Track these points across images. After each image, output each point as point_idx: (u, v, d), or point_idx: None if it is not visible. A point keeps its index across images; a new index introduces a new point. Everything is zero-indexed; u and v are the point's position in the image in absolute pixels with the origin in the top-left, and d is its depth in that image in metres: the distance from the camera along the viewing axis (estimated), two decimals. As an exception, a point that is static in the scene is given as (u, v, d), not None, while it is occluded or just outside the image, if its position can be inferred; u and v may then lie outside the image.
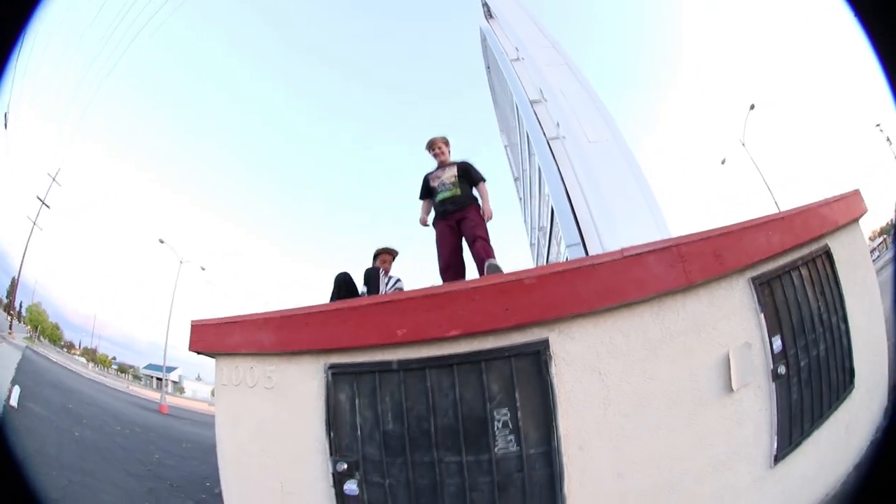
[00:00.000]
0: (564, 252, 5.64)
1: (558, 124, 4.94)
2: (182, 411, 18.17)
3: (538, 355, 2.59)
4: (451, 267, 3.92)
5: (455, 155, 4.41)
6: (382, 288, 3.80)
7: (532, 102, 7.91)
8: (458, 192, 4.04)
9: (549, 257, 10.36)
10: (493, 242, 3.85)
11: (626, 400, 2.66)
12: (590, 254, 4.70)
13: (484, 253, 3.70)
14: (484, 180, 4.20)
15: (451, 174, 4.12)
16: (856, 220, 4.14)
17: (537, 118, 7.16)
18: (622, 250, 2.67)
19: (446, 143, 4.35)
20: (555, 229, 7.71)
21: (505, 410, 2.60)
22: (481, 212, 4.05)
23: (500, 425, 2.61)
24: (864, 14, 1.09)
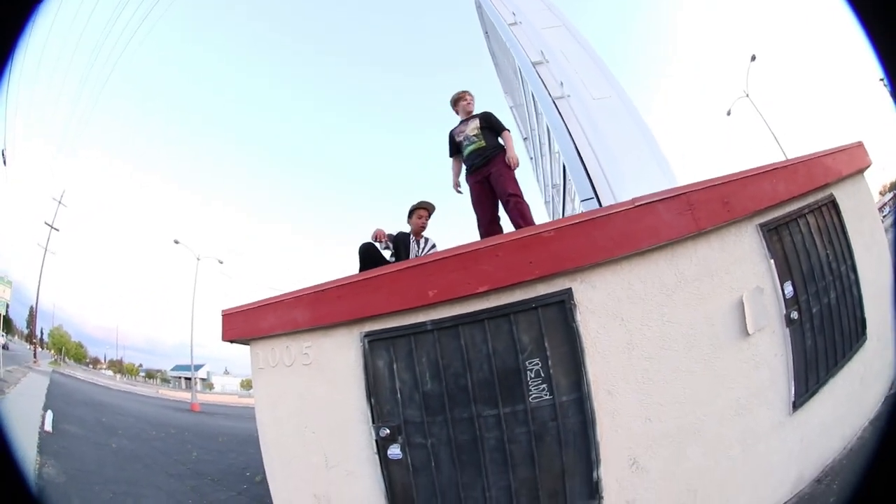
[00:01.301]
0: (579, 207, 5.77)
1: (562, 84, 5.11)
2: (214, 407, 18.35)
3: (563, 304, 2.74)
4: (486, 228, 4.01)
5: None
6: (415, 251, 3.88)
7: (534, 64, 8.01)
8: (484, 143, 4.06)
9: (565, 213, 10.45)
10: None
11: (647, 343, 2.79)
12: (603, 206, 4.82)
13: (520, 215, 3.76)
14: (507, 129, 4.24)
15: (473, 126, 4.14)
16: (860, 172, 4.25)
17: (541, 79, 7.30)
18: (633, 200, 2.82)
19: (471, 95, 4.39)
20: (568, 185, 7.85)
21: (536, 360, 2.74)
22: (507, 160, 4.03)
23: (532, 375, 2.74)
24: (864, 14, 1.13)
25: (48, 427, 6.86)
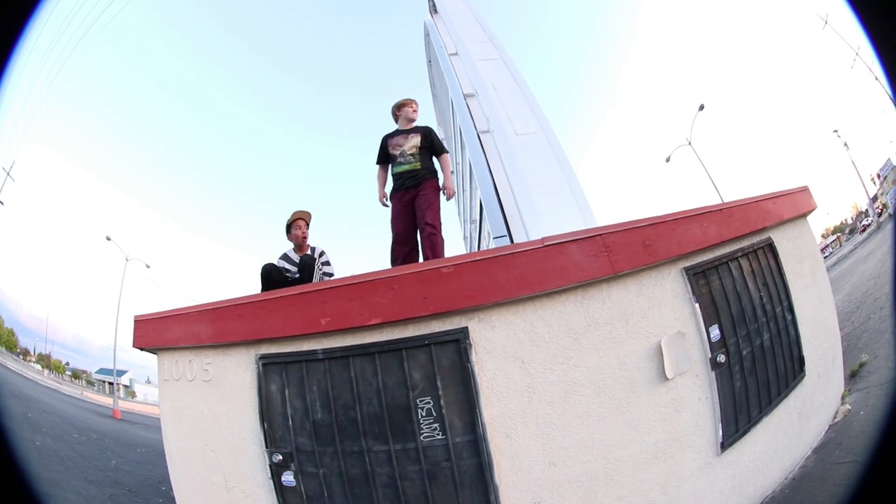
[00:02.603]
0: (492, 244, 5.67)
1: (488, 119, 4.96)
2: (134, 416, 18.07)
3: (458, 343, 2.62)
4: (399, 253, 3.83)
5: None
6: (315, 272, 3.70)
7: (466, 96, 7.98)
8: (419, 165, 3.85)
9: (480, 249, 10.40)
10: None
11: (550, 388, 2.68)
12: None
13: (432, 249, 3.60)
14: (447, 152, 4.07)
15: (413, 144, 3.90)
16: (804, 216, 4.20)
17: (469, 112, 7.21)
18: (543, 239, 2.69)
19: (417, 104, 4.15)
20: (484, 222, 7.75)
21: (428, 398, 2.62)
22: (441, 186, 3.90)
23: (423, 413, 2.63)
24: (864, 14, 1.11)
25: None
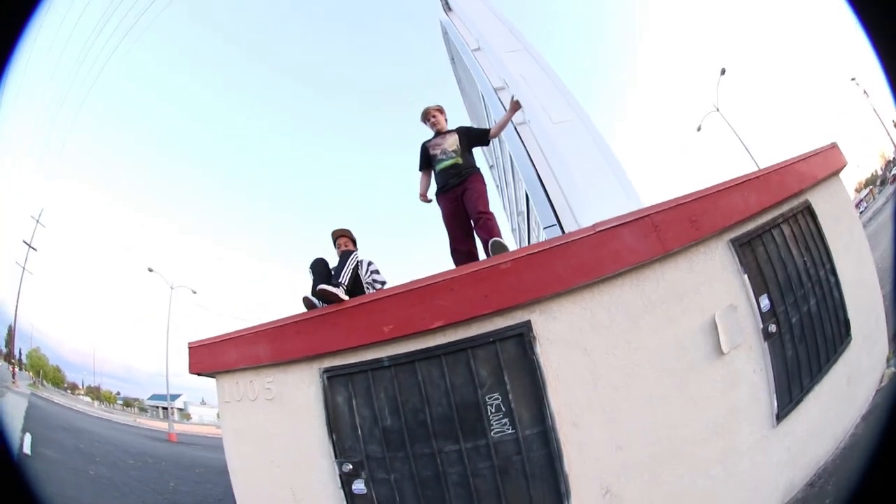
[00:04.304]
0: (543, 234, 5.67)
1: (523, 110, 4.96)
2: (191, 437, 18.34)
3: (522, 337, 2.64)
4: (459, 251, 3.85)
5: None
6: (360, 270, 3.64)
7: (496, 90, 7.95)
8: (460, 160, 3.89)
9: (530, 240, 10.39)
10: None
11: (614, 373, 2.70)
12: (566, 232, 4.72)
13: (487, 231, 3.59)
14: (488, 129, 4.17)
15: (452, 141, 3.96)
16: (836, 174, 4.15)
17: (503, 105, 7.16)
18: (594, 225, 2.71)
19: (441, 110, 4.19)
20: (532, 212, 7.74)
21: (496, 395, 2.65)
22: (514, 104, 3.98)
23: (493, 409, 2.66)
24: (863, 14, 1.11)
25: (27, 450, 6.82)
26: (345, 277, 3.26)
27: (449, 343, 2.69)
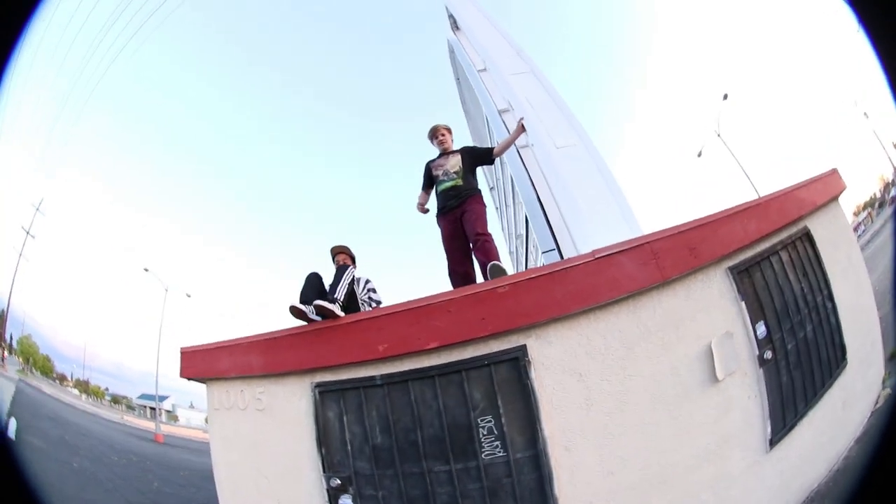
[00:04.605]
0: (541, 258, 5.68)
1: (527, 133, 4.94)
2: (177, 440, 18.18)
3: (517, 361, 2.63)
4: (457, 272, 3.85)
5: None
6: (355, 286, 3.64)
7: (500, 112, 8.00)
8: (461, 182, 3.92)
9: (528, 264, 10.39)
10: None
11: (607, 399, 2.69)
12: (564, 257, 4.72)
13: (485, 254, 3.59)
14: (492, 148, 4.21)
15: (454, 162, 4.00)
16: (835, 199, 4.16)
17: (506, 128, 7.21)
18: (594, 252, 2.70)
19: (449, 130, 4.23)
20: (531, 236, 7.75)
21: (489, 417, 2.64)
22: (521, 126, 4.06)
23: (484, 432, 2.64)
24: (863, 14, 1.11)
25: (11, 434, 6.77)
26: (340, 293, 3.24)
27: (443, 364, 2.67)
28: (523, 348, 2.63)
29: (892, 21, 1.06)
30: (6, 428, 6.74)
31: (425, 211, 4.15)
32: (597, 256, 2.67)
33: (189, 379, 3.58)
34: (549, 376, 2.63)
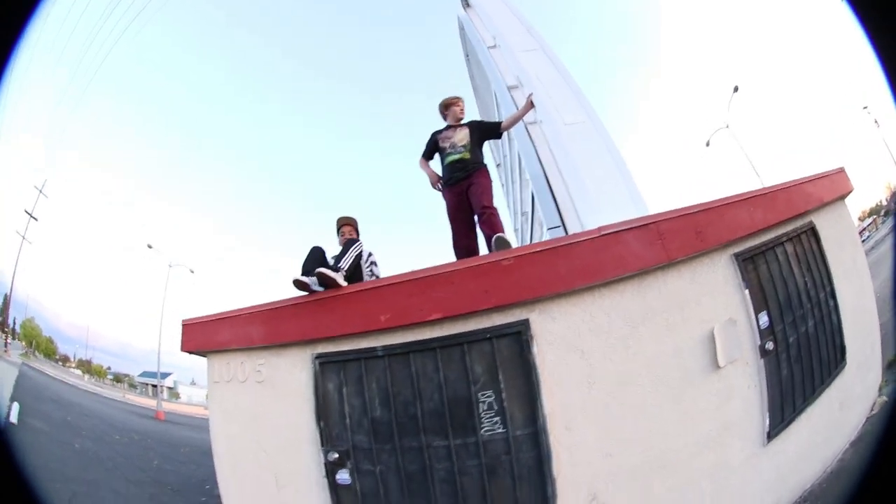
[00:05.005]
0: (546, 235, 5.66)
1: (535, 109, 4.93)
2: (178, 417, 18.14)
3: (519, 336, 2.62)
4: (462, 245, 3.85)
5: None
6: (361, 259, 3.62)
7: (510, 88, 7.97)
8: (469, 155, 3.88)
9: (533, 241, 10.38)
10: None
11: (610, 378, 2.67)
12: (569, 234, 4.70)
13: (490, 226, 3.58)
14: (499, 123, 4.20)
15: (463, 135, 3.96)
16: (842, 198, 4.15)
17: (515, 104, 7.15)
18: (599, 228, 2.69)
19: (463, 102, 4.21)
20: (536, 213, 7.74)
21: (489, 392, 2.62)
22: (530, 102, 4.05)
23: (485, 407, 2.63)
24: (864, 14, 1.11)
25: (13, 419, 6.77)
26: (346, 263, 3.23)
27: (445, 336, 2.66)
28: (526, 322, 2.61)
29: (893, 21, 1.06)
30: (9, 413, 6.76)
31: (440, 187, 4.08)
32: (603, 233, 2.66)
33: (190, 352, 3.56)
34: (552, 352, 2.62)
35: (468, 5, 12.86)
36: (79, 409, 11.60)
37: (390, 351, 2.72)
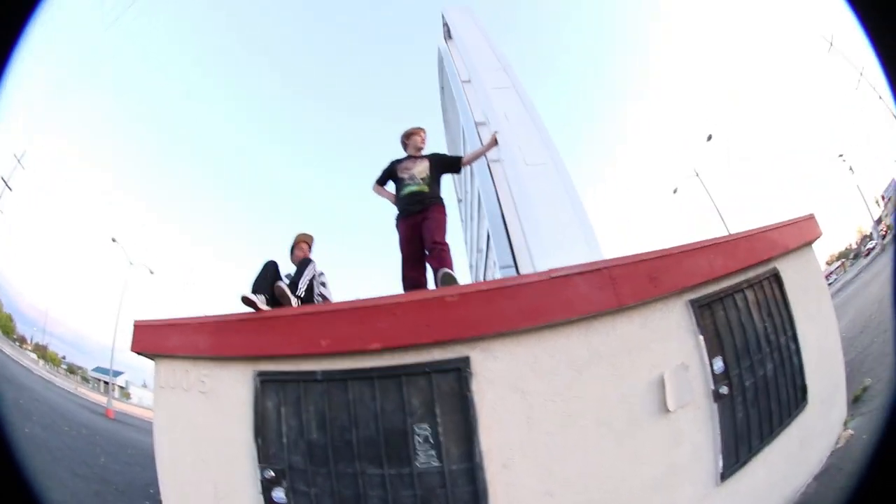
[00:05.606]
0: (498, 273, 5.65)
1: (499, 148, 4.87)
2: (128, 417, 17.73)
3: (459, 372, 2.59)
4: (410, 278, 3.79)
5: None
6: (312, 283, 3.60)
7: (477, 124, 8.05)
8: (427, 189, 3.85)
9: (486, 278, 10.38)
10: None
11: (551, 419, 2.65)
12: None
13: (439, 261, 3.52)
14: (460, 157, 4.20)
15: (423, 167, 3.91)
16: (808, 244, 4.15)
17: (480, 140, 7.19)
18: (549, 271, 2.66)
19: (426, 133, 4.16)
20: (491, 251, 7.73)
21: (425, 425, 2.60)
22: (494, 139, 4.06)
23: (420, 440, 2.60)
24: (864, 14, 1.08)
25: None
26: (302, 289, 3.21)
27: (384, 367, 2.62)
28: (466, 360, 2.59)
29: (893, 21, 1.05)
30: None
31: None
32: (552, 276, 2.63)
33: (139, 353, 3.52)
34: (492, 391, 2.59)
35: (450, 37, 12.81)
36: (31, 393, 11.49)
37: (329, 376, 2.69)
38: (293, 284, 3.33)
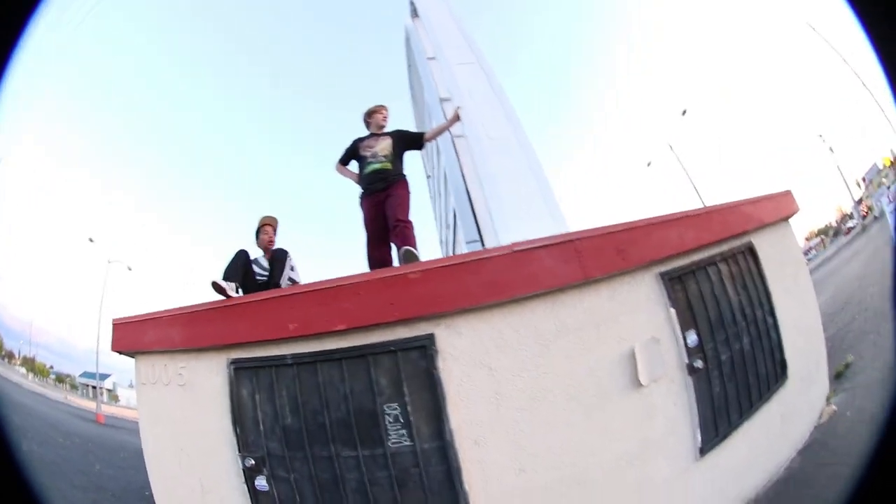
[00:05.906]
0: (465, 248, 5.67)
1: (463, 123, 4.89)
2: (117, 420, 17.74)
3: (424, 350, 2.61)
4: (374, 257, 3.81)
5: None
6: (285, 270, 3.67)
7: (442, 100, 8.07)
8: (390, 165, 3.83)
9: (456, 253, 10.38)
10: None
11: (518, 395, 2.67)
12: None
13: (402, 239, 3.53)
14: (423, 133, 4.19)
15: (385, 144, 3.89)
16: (785, 219, 4.16)
17: (445, 116, 7.16)
18: (512, 245, 2.68)
19: (387, 111, 4.15)
20: (458, 227, 7.75)
21: (395, 405, 2.62)
22: (456, 115, 4.06)
23: (391, 419, 2.62)
24: (863, 14, 1.09)
25: None
26: (284, 281, 3.24)
27: (350, 347, 2.65)
28: (431, 337, 2.61)
29: (893, 21, 1.05)
30: None
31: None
32: (515, 249, 2.65)
33: (120, 352, 3.54)
34: (458, 367, 2.61)
35: (416, 15, 12.85)
36: (24, 409, 11.53)
37: (299, 360, 2.71)
38: (271, 277, 3.35)
